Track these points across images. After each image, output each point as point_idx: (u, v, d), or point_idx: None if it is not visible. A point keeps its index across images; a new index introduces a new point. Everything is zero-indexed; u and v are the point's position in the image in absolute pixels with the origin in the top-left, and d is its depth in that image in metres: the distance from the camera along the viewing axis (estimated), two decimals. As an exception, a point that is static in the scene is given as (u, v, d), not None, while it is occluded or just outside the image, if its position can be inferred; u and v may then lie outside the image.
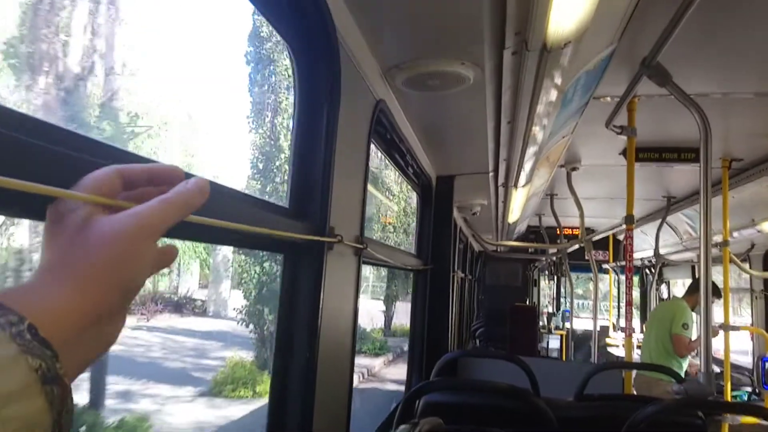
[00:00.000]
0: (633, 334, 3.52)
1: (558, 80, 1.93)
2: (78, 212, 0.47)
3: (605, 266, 9.48)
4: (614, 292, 10.41)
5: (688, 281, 8.04)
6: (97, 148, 0.67)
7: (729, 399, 4.34)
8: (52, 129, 0.62)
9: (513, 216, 5.63)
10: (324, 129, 1.39)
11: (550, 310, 12.48)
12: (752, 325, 6.00)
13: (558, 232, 7.59)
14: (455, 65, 1.73)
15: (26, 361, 0.35)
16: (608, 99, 3.18)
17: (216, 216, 0.90)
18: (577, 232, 7.62)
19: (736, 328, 4.61)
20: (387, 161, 2.80)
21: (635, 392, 5.48)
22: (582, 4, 1.48)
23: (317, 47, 1.35)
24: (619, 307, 9.26)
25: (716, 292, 4.55)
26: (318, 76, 1.39)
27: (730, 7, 2.22)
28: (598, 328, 6.42)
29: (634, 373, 4.13)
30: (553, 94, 2.07)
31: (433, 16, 1.49)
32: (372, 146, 1.92)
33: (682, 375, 5.14)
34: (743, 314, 7.85)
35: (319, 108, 1.39)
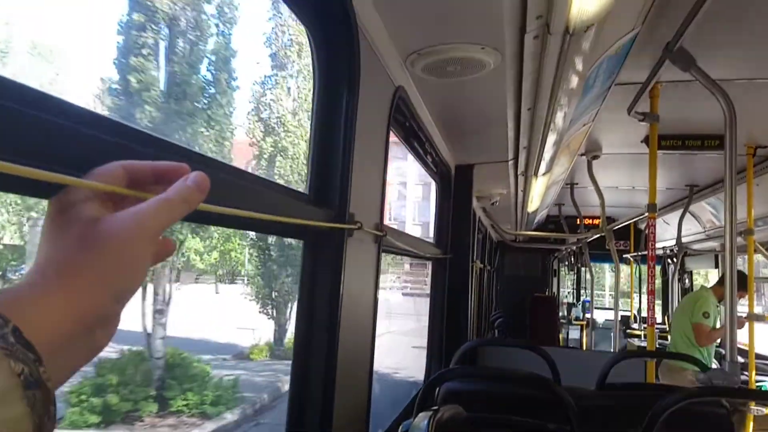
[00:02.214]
0: (655, 324, 3.48)
1: (580, 65, 1.89)
2: (82, 207, 0.45)
3: (626, 256, 9.37)
4: (635, 282, 10.29)
5: (711, 271, 7.92)
6: (103, 125, 0.66)
7: (753, 387, 4.27)
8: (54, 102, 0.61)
9: (533, 205, 5.58)
10: (343, 116, 1.38)
11: (570, 301, 12.39)
12: None
13: (578, 222, 7.51)
14: (475, 50, 1.71)
15: (8, 364, 0.34)
16: (630, 85, 3.12)
17: (238, 201, 0.90)
18: (597, 222, 7.53)
19: (762, 318, 4.53)
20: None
21: (659, 378, 5.44)
22: (605, -14, 1.45)
23: (337, 33, 1.34)
24: (640, 297, 9.16)
25: (742, 284, 4.48)
26: (337, 63, 1.38)
27: None
28: (619, 318, 6.35)
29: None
30: (575, 80, 2.03)
31: (453, 0, 1.47)
32: (391, 134, 1.91)
33: (707, 364, 5.09)
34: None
35: (339, 94, 1.39)
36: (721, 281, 5.05)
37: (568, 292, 13.57)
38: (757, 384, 5.32)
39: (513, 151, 3.29)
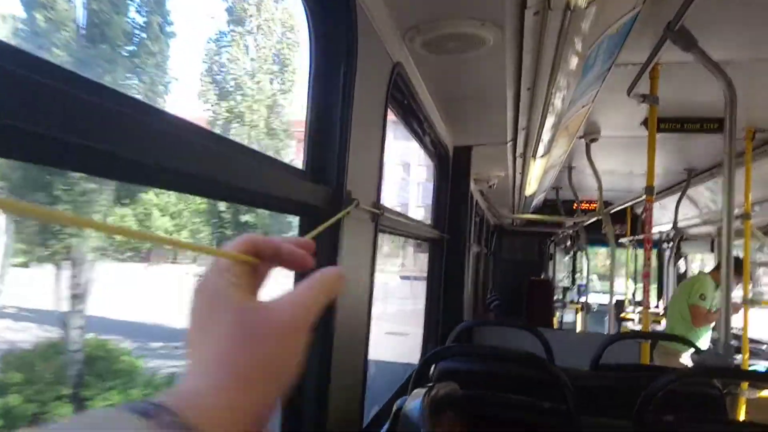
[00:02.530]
0: (649, 307, 3.49)
1: (580, 43, 1.87)
2: (230, 291, 0.44)
3: (622, 240, 9.40)
4: (630, 266, 10.34)
5: (707, 255, 7.95)
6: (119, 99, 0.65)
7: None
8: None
9: (530, 188, 5.58)
10: (340, 91, 1.36)
11: (566, 285, 12.45)
12: None
13: (575, 206, 7.52)
14: (475, 26, 1.68)
15: None
16: (630, 66, 3.10)
17: (234, 173, 0.89)
18: (594, 206, 7.53)
19: (758, 302, 4.55)
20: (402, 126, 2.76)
21: (655, 360, 5.50)
22: (608, -39, 1.43)
23: (334, 7, 1.32)
24: (635, 281, 9.19)
25: (739, 269, 4.50)
26: (335, 37, 1.36)
27: None
28: (614, 301, 6.38)
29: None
30: (575, 59, 2.01)
31: None
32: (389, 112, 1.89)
33: (703, 347, 5.13)
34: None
35: (336, 69, 1.36)
36: (719, 266, 5.07)
37: (564, 276, 13.63)
38: (750, 367, 5.37)
39: (512, 132, 3.27)
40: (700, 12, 2.35)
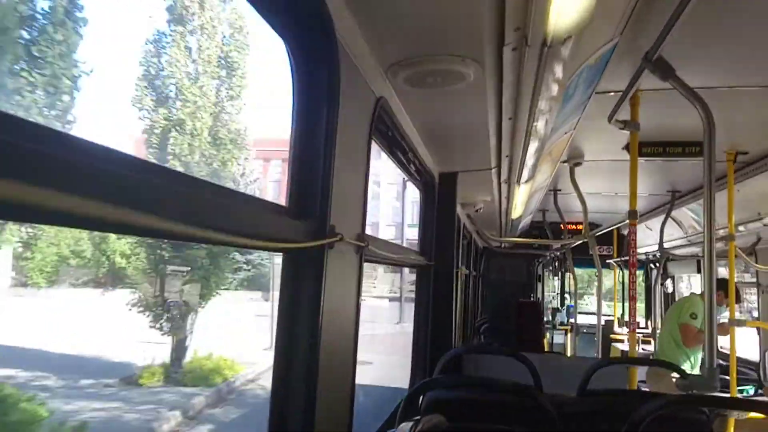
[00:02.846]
0: (637, 329, 3.51)
1: (559, 75, 1.91)
2: None
3: (609, 261, 9.46)
4: (618, 287, 10.39)
5: (694, 276, 8.00)
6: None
7: (735, 394, 4.32)
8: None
9: (516, 212, 5.62)
10: (324, 127, 1.38)
11: (555, 306, 12.46)
12: (759, 319, 5.98)
13: (562, 228, 7.57)
14: (455, 62, 1.72)
15: None
16: (611, 93, 3.16)
17: (214, 217, 0.90)
18: (581, 228, 7.60)
19: (743, 323, 4.59)
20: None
21: (648, 384, 5.50)
22: (582, -2, 1.47)
23: (315, 46, 1.35)
24: (623, 302, 9.24)
25: (724, 291, 4.56)
26: (317, 75, 1.38)
27: None
28: (602, 323, 6.40)
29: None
30: (554, 90, 2.05)
31: (432, 13, 1.48)
32: (373, 143, 1.91)
33: (694, 368, 5.15)
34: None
35: (318, 106, 1.39)
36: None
37: (553, 297, 13.65)
38: (741, 388, 5.39)
39: (495, 159, 3.31)
40: (678, 41, 2.41)
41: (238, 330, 15.40)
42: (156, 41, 12.74)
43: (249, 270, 22.10)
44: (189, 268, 12.38)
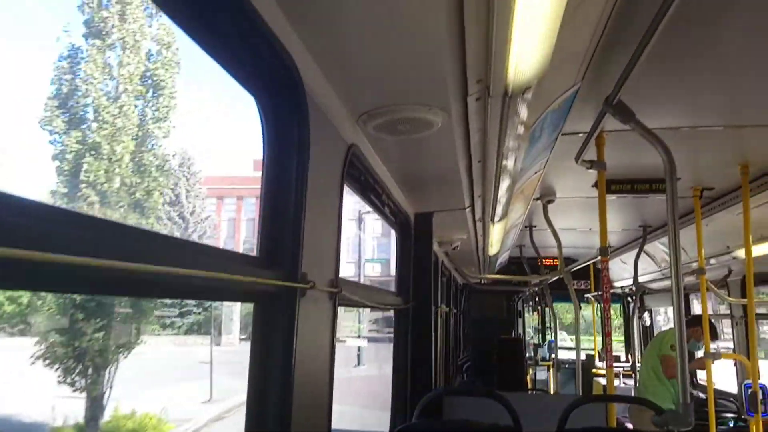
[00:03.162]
0: (618, 363, 3.54)
1: (523, 121, 1.99)
2: None
3: (587, 296, 9.54)
4: (597, 321, 10.45)
5: (671, 309, 8.09)
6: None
7: (713, 427, 4.35)
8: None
9: (493, 249, 5.68)
10: (294, 176, 1.42)
11: (536, 341, 12.46)
12: (734, 351, 6.05)
13: (539, 263, 7.65)
14: (423, 111, 1.79)
15: None
16: (577, 135, 3.26)
17: (182, 271, 0.92)
18: (558, 263, 7.69)
19: (718, 356, 4.65)
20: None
21: (630, 419, 5.50)
22: (540, 49, 1.55)
23: (284, 98, 1.39)
24: (603, 336, 9.28)
25: (714, 334, 4.67)
26: (286, 126, 1.42)
27: (692, 43, 2.31)
28: (582, 358, 6.41)
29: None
30: (520, 134, 2.13)
31: (398, 65, 1.55)
32: (346, 188, 1.96)
33: (676, 399, 5.17)
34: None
35: (289, 156, 1.43)
36: (690, 322, 5.17)
37: (534, 333, 13.65)
38: (721, 419, 5.42)
39: (468, 199, 3.37)
40: (638, 84, 2.52)
41: (174, 380, 13.67)
42: (69, 57, 11.52)
43: (199, 314, 20.92)
44: (108, 313, 10.90)
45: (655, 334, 8.04)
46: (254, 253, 1.36)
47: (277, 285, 1.30)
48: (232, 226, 35.59)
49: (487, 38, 1.38)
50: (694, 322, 5.06)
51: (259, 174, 1.42)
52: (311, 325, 1.51)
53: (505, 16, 1.24)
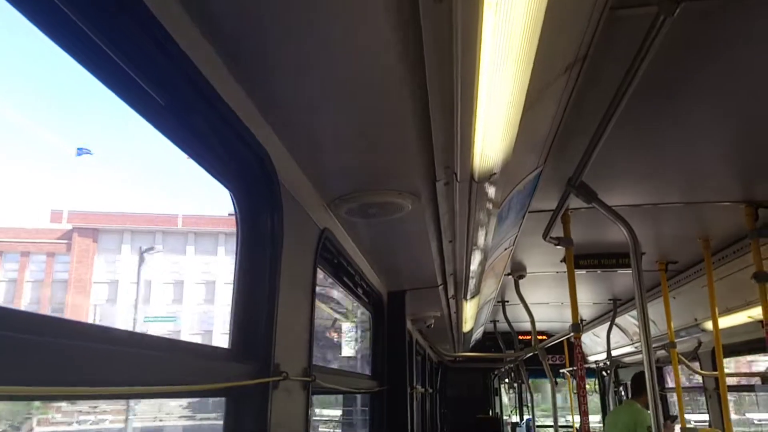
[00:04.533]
0: None
1: (490, 203, 2.05)
2: None
3: (562, 371, 9.47)
4: (574, 397, 10.32)
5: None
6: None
7: None
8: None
9: (467, 326, 5.66)
10: (267, 264, 1.42)
11: (514, 420, 12.18)
12: (709, 425, 6.01)
13: (512, 337, 7.61)
14: (393, 196, 1.83)
15: None
16: (543, 213, 3.36)
17: (149, 369, 0.90)
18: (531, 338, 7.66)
19: (694, 431, 4.61)
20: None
21: None
22: (503, 137, 1.62)
23: (258, 189, 1.42)
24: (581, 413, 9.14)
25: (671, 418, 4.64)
26: (260, 216, 1.44)
27: (649, 125, 2.45)
28: None
29: None
30: (488, 215, 2.19)
31: (368, 152, 1.60)
32: (319, 271, 1.96)
33: None
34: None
35: (262, 245, 1.43)
36: (639, 391, 5.01)
37: (511, 411, 13.37)
38: None
39: (441, 277, 3.40)
40: (601, 166, 2.63)
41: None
42: None
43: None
44: None
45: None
46: (222, 344, 1.34)
47: (250, 377, 1.28)
48: (38, 288, 29.90)
49: (452, 127, 1.45)
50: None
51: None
52: (284, 417, 1.47)
53: (469, 106, 1.31)
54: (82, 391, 0.73)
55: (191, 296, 31.17)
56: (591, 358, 8.89)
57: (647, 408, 4.90)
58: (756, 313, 4.06)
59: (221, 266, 31.59)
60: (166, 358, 0.97)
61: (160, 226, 32.31)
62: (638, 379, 5.01)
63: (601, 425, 9.81)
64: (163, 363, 0.95)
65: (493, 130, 1.51)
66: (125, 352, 0.85)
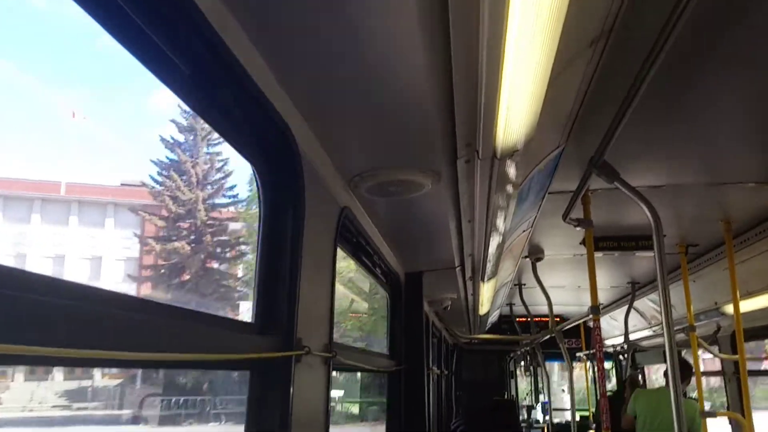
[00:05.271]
0: (609, 428, 3.46)
1: (511, 182, 2.03)
2: None
3: (579, 354, 9.43)
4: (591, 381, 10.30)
5: (663, 366, 8.01)
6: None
7: None
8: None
9: (483, 308, 5.65)
10: (289, 241, 1.43)
11: (530, 403, 12.20)
12: (728, 408, 5.97)
13: (529, 321, 7.59)
14: (413, 173, 1.82)
15: None
16: (563, 194, 3.32)
17: (175, 340, 0.91)
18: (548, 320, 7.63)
19: (713, 415, 4.57)
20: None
21: None
22: (527, 113, 1.60)
23: (280, 164, 1.42)
24: (597, 396, 9.13)
25: (686, 372, 4.49)
26: (282, 191, 1.45)
27: (672, 103, 2.40)
28: (578, 419, 6.28)
29: None
30: (508, 195, 2.17)
31: (389, 129, 1.59)
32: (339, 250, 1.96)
33: None
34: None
35: (284, 221, 1.44)
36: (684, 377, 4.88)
37: (527, 394, 13.39)
38: None
39: (459, 258, 3.39)
40: (621, 144, 2.58)
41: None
42: None
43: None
44: None
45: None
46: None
47: (273, 351, 1.29)
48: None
49: (476, 102, 1.43)
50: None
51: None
52: (306, 391, 1.48)
53: (494, 79, 1.29)
54: (121, 355, 0.74)
55: (73, 273, 25.57)
56: (607, 342, 8.85)
57: (685, 395, 4.87)
58: (778, 297, 4.00)
59: (109, 240, 27.30)
60: (193, 327, 0.98)
61: (39, 193, 28.16)
62: (686, 365, 4.78)
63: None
64: (191, 332, 0.96)
65: (518, 104, 1.48)
66: (154, 320, 0.86)
